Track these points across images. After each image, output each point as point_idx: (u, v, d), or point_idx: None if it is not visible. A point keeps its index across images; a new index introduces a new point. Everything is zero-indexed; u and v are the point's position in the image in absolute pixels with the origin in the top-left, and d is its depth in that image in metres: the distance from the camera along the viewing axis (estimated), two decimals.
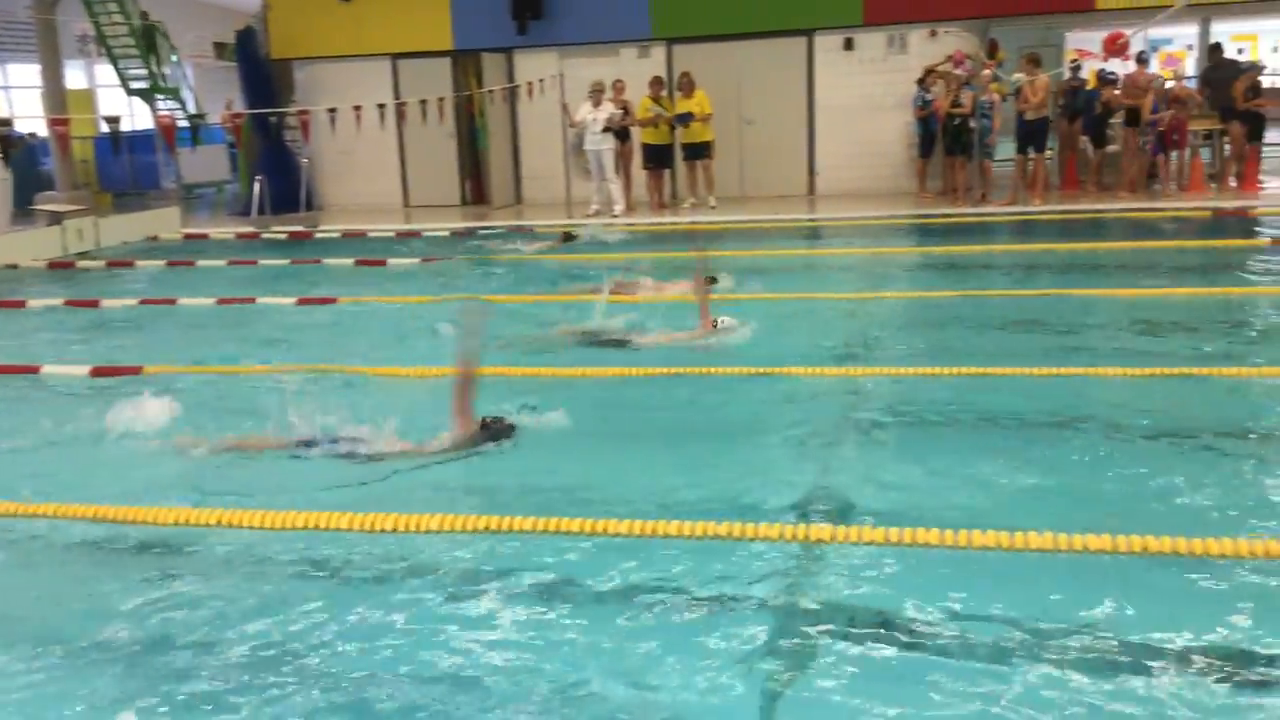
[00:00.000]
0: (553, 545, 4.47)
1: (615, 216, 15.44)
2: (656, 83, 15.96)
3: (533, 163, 17.92)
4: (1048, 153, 15.52)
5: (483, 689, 3.47)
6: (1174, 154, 15.27)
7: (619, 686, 3.46)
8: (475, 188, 18.36)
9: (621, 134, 15.83)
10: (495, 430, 5.75)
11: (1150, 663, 3.44)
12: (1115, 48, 15.56)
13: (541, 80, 16.44)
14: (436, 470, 5.43)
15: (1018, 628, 3.68)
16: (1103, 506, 4.63)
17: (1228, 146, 15.46)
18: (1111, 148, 15.84)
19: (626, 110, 15.74)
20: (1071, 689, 3.32)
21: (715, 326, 7.94)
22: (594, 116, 15.41)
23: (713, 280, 9.65)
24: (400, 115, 16.89)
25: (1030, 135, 14.78)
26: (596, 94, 15.47)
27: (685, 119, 15.67)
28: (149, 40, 20.43)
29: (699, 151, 15.99)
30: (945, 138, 15.30)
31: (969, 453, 5.34)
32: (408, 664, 3.63)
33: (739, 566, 4.23)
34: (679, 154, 16.27)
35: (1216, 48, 16.50)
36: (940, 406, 6.10)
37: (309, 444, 5.74)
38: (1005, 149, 15.89)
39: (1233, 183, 15.02)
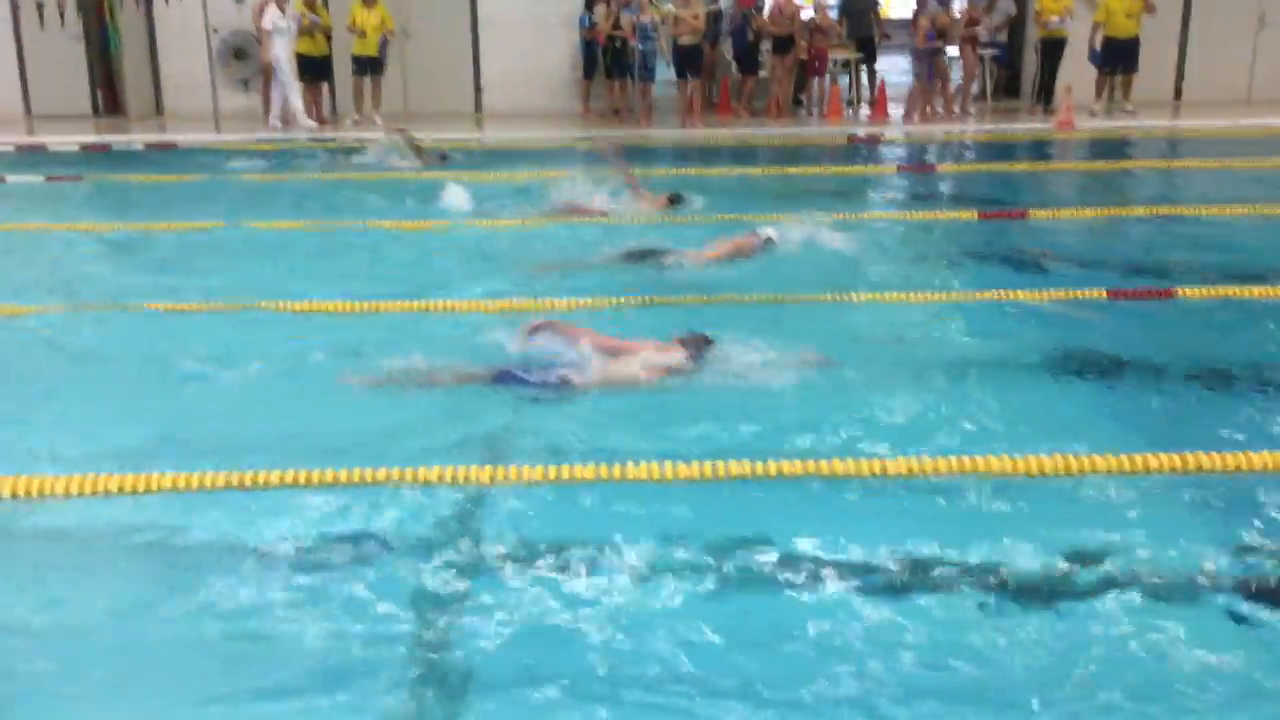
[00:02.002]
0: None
1: (313, 128, 14.66)
2: None
3: (174, 69, 16.51)
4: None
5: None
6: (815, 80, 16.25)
7: (282, 639, 3.43)
8: (108, 96, 16.77)
9: None
10: (697, 344, 5.54)
11: (795, 577, 3.76)
12: None
13: None
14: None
15: (671, 549, 3.91)
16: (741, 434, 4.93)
17: (864, 74, 16.63)
18: (762, 73, 16.61)
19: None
20: (734, 604, 3.62)
21: (761, 243, 7.67)
22: (287, 23, 14.48)
23: (677, 199, 9.46)
24: (15, 16, 15.06)
25: (685, 60, 15.21)
26: None
27: (383, 44, 15.11)
28: None
29: (373, 66, 15.35)
30: (606, 59, 15.49)
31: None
32: None
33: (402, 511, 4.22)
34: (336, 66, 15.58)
35: None
36: None
37: (504, 379, 5.38)
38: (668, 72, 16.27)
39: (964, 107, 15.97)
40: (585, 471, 4.48)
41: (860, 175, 12.10)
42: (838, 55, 16.35)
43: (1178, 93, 16.39)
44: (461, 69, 16.61)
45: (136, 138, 14.37)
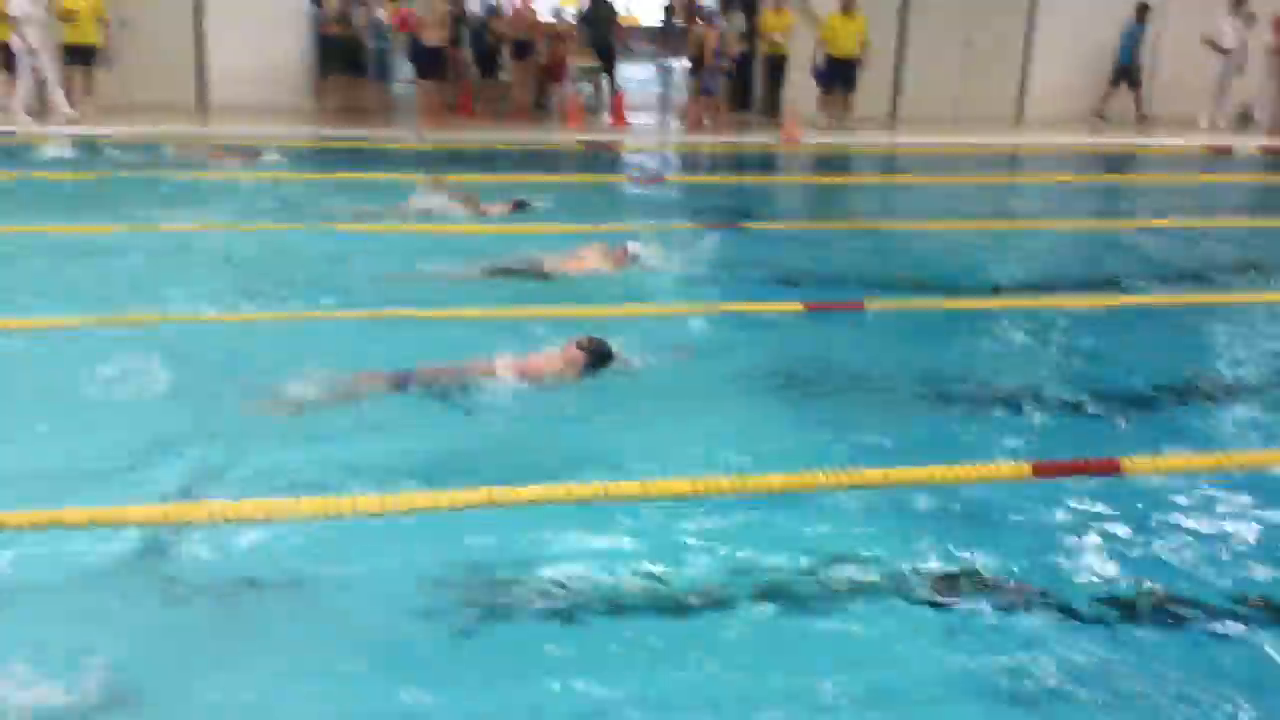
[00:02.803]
0: None
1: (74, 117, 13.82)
2: None
3: None
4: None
5: None
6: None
7: None
8: None
9: None
10: (598, 352, 5.48)
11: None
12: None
13: None
14: None
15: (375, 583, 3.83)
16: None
17: (604, 82, 16.87)
18: (504, 77, 16.60)
19: None
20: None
21: (627, 256, 7.56)
22: (38, 9, 13.49)
23: (523, 204, 9.26)
24: None
25: (426, 60, 15.02)
26: None
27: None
28: None
29: (86, 55, 14.39)
30: (340, 56, 15.10)
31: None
32: None
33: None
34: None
35: None
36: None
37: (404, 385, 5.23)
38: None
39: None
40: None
41: (588, 183, 12.24)
42: (579, 63, 16.54)
43: (893, 111, 17.42)
44: (183, 60, 15.78)
45: None
